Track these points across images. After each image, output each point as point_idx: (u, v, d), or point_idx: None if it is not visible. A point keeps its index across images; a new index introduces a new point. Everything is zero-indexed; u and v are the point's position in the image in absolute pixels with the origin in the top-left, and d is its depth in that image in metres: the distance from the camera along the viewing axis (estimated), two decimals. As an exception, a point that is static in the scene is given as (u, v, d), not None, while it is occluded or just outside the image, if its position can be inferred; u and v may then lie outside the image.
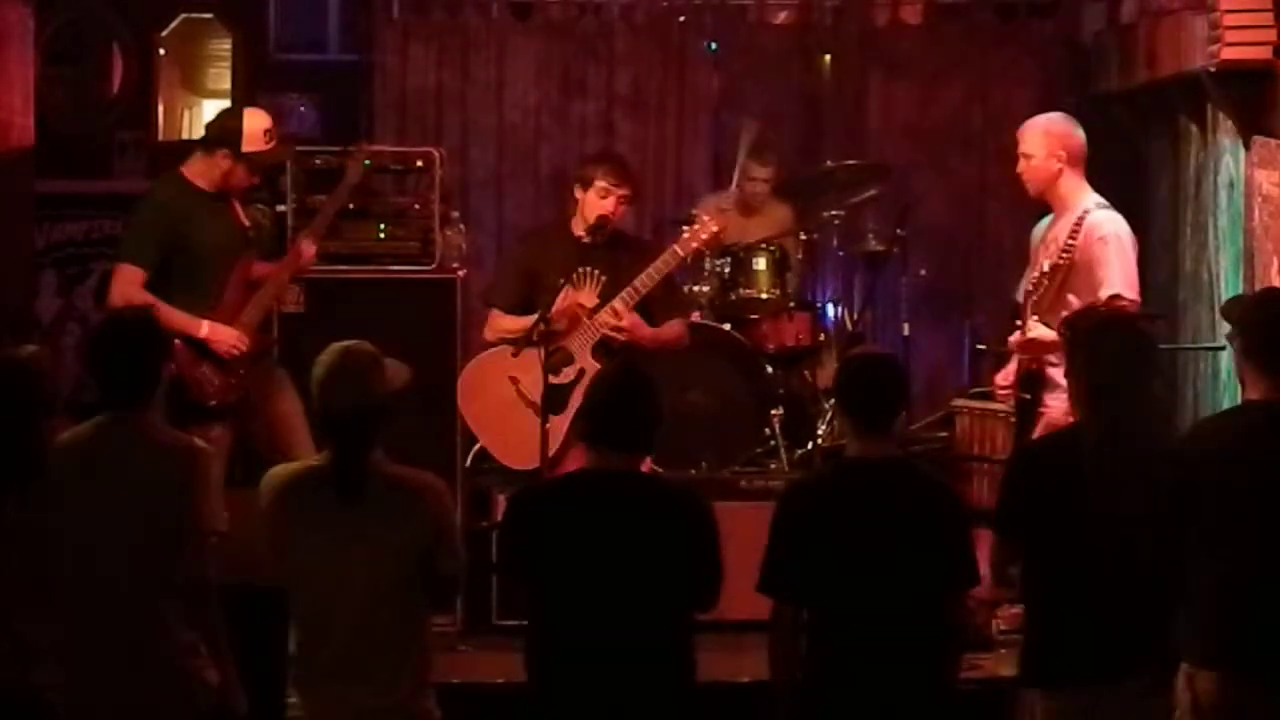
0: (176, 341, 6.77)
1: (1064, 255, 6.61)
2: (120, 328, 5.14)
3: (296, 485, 4.77)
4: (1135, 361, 4.90)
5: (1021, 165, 6.84)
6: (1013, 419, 6.80)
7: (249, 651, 4.97)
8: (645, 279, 7.07)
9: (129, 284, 6.82)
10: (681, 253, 7.14)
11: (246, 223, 7.16)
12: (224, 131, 6.99)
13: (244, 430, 6.96)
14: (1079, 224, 6.64)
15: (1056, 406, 6.63)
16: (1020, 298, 7.04)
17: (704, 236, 7.22)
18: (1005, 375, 6.86)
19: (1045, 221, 6.98)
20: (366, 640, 4.64)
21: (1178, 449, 5.03)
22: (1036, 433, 6.53)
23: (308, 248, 7.13)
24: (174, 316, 6.74)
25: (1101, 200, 6.79)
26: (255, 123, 7.00)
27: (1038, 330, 6.57)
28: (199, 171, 6.97)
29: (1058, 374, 6.64)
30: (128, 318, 5.37)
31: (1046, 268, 6.64)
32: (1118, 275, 6.58)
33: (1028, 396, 6.64)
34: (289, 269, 7.15)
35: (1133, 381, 4.86)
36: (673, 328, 7.27)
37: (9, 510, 4.82)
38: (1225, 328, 7.41)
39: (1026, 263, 6.98)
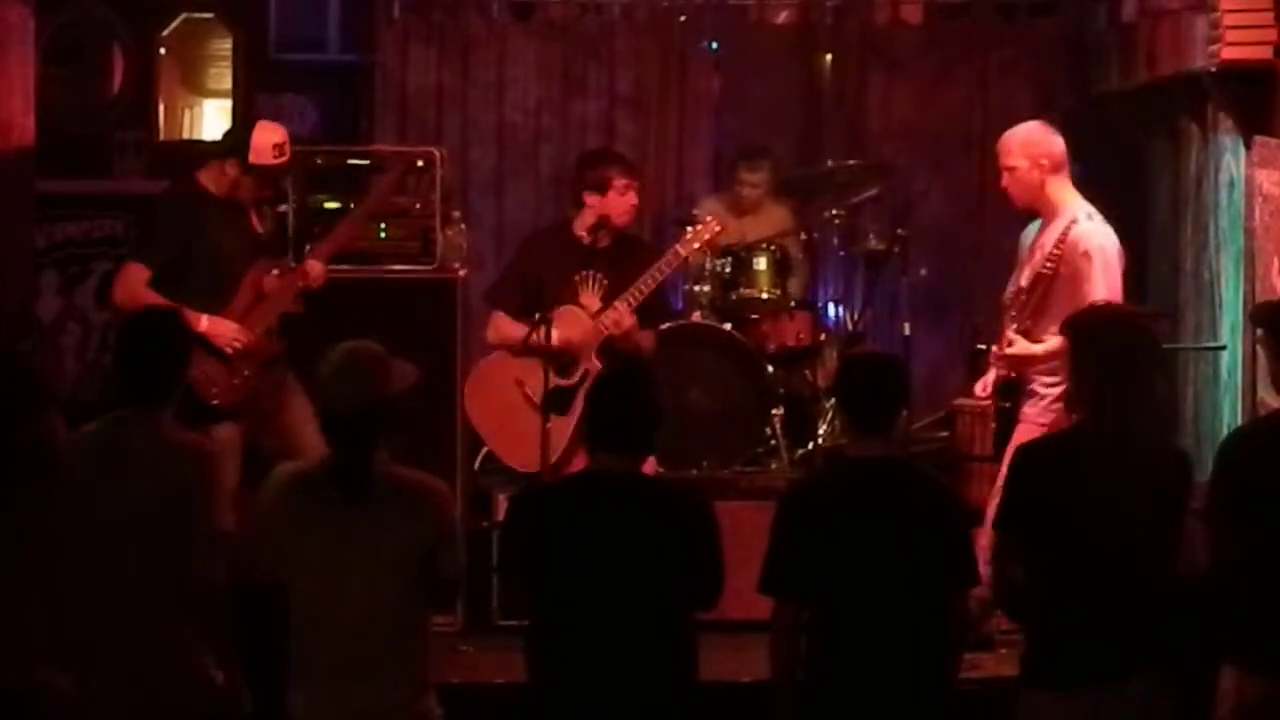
0: None
1: (1048, 265, 6.65)
2: (148, 326, 5.16)
3: (299, 484, 4.76)
4: (1137, 360, 4.90)
5: (1006, 179, 6.87)
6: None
7: (250, 651, 4.97)
8: (649, 280, 7.09)
9: (134, 281, 6.87)
10: (683, 253, 7.16)
11: (260, 230, 7.17)
12: (234, 141, 7.04)
13: (255, 437, 6.95)
14: (1065, 235, 6.66)
15: (1032, 415, 6.67)
16: (1007, 301, 7.07)
17: (706, 237, 7.25)
18: (984, 385, 6.86)
19: (1035, 226, 6.99)
20: (367, 640, 4.63)
21: (1219, 453, 5.03)
22: (1013, 442, 6.59)
23: (313, 266, 7.08)
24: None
25: (1089, 209, 6.79)
26: (265, 136, 7.01)
27: (1019, 347, 6.61)
28: (212, 177, 7.01)
29: (1037, 384, 6.69)
30: (156, 317, 5.38)
31: (1025, 281, 6.68)
32: (1102, 290, 6.57)
33: (1007, 405, 6.68)
34: (294, 286, 7.07)
35: (1135, 380, 4.86)
36: (648, 336, 7.28)
37: (14, 507, 4.82)
38: (1225, 327, 7.48)
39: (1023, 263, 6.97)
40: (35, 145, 7.52)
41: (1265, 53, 7.20)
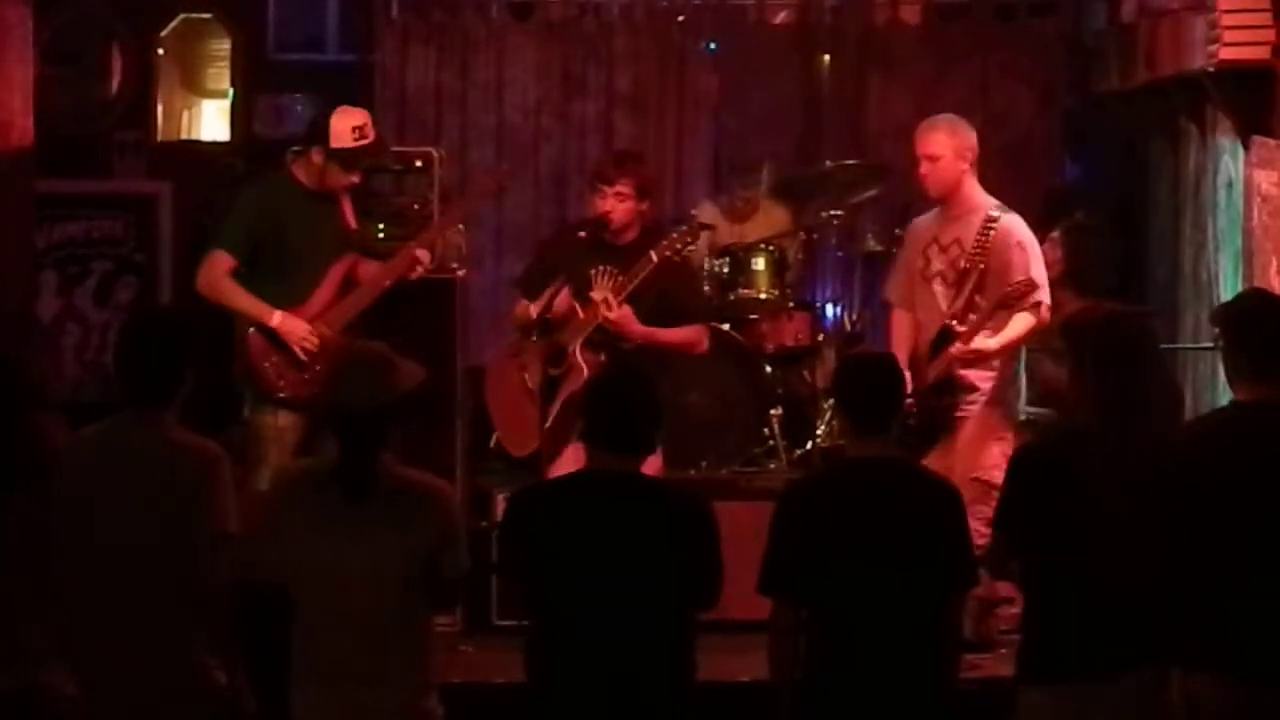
0: (251, 330, 6.82)
1: (976, 259, 6.72)
2: (149, 326, 5.15)
3: (303, 484, 4.77)
4: (1137, 360, 4.90)
5: (925, 168, 6.94)
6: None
7: (253, 651, 4.97)
8: (628, 278, 7.07)
9: (216, 270, 6.88)
10: (655, 257, 7.10)
11: (353, 224, 7.17)
12: (314, 130, 7.06)
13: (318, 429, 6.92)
14: (990, 227, 6.75)
15: (974, 406, 6.78)
16: (890, 297, 7.16)
17: (679, 245, 7.19)
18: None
19: (927, 219, 7.09)
20: (370, 640, 4.64)
21: (1170, 450, 5.03)
22: (967, 432, 6.73)
23: (422, 255, 7.12)
24: (248, 303, 6.82)
25: (999, 202, 6.93)
26: (344, 121, 7.02)
27: (981, 343, 6.70)
28: (303, 169, 7.03)
29: (975, 379, 6.75)
30: (154, 316, 5.37)
31: (950, 276, 6.77)
32: (1041, 281, 6.78)
33: (947, 401, 6.77)
34: (396, 273, 7.09)
35: (1133, 379, 4.86)
36: (681, 331, 7.24)
37: (13, 508, 4.82)
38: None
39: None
40: (35, 145, 7.51)
41: (1264, 53, 7.21)
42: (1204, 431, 5.16)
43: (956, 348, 6.77)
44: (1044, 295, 6.79)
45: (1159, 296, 8.50)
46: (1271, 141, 7.22)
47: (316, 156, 6.98)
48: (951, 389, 6.84)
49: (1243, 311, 5.09)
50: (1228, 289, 7.67)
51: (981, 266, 6.78)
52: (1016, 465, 5.02)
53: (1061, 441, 5.11)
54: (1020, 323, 6.78)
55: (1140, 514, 4.77)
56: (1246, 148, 7.43)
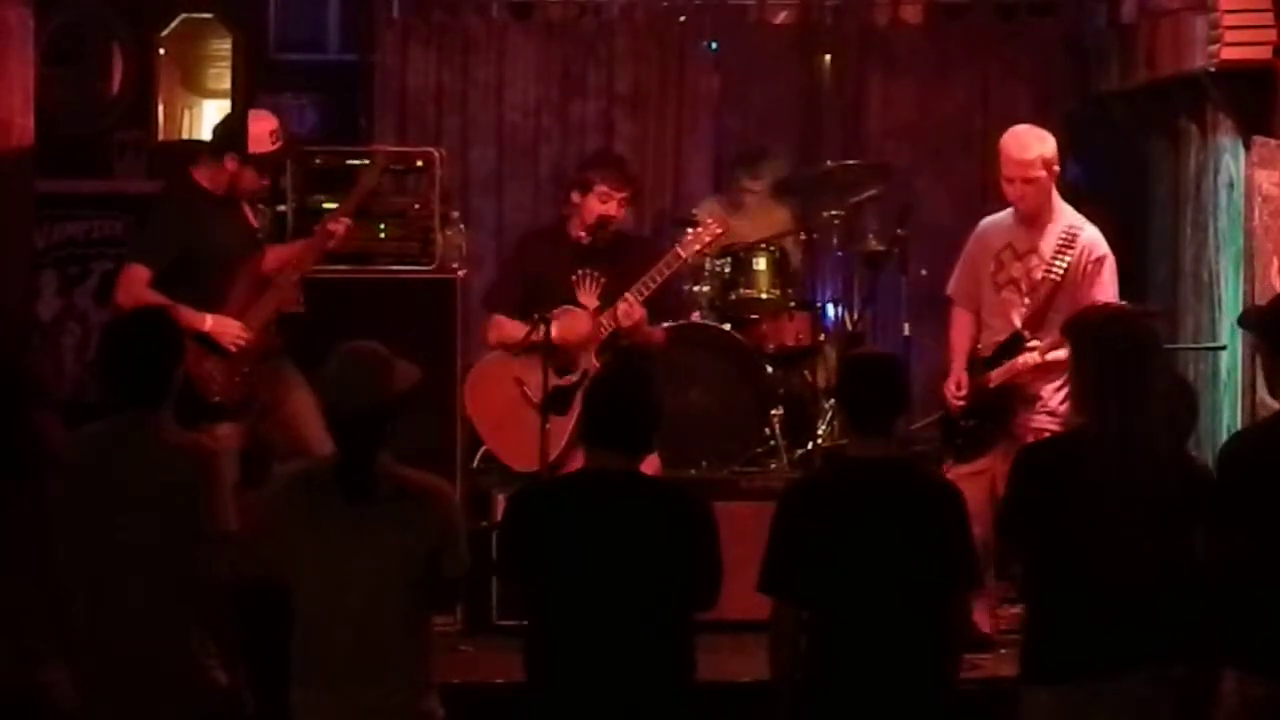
0: None
1: (1057, 271, 6.68)
2: (137, 328, 5.14)
3: (303, 484, 4.77)
4: (1139, 360, 4.89)
5: (1021, 189, 6.86)
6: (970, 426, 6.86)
7: (253, 651, 4.97)
8: (655, 275, 7.09)
9: (136, 283, 6.89)
10: (684, 254, 7.15)
11: (255, 224, 7.20)
12: (229, 135, 7.06)
13: (258, 431, 6.97)
14: (1071, 239, 6.71)
15: (1043, 423, 6.70)
16: (954, 295, 7.07)
17: (707, 239, 7.23)
18: (959, 384, 6.86)
19: (1001, 223, 7.00)
20: (369, 640, 4.64)
21: (1220, 456, 5.01)
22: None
23: (336, 225, 7.13)
24: (177, 312, 6.76)
25: (1076, 213, 6.92)
26: (260, 125, 7.06)
27: (1055, 354, 6.62)
28: (207, 176, 7.03)
29: (1043, 390, 6.72)
30: (145, 318, 5.36)
31: (1025, 285, 6.71)
32: (1113, 296, 6.74)
33: (1005, 407, 6.74)
34: (317, 248, 7.13)
35: (1137, 380, 4.86)
36: (658, 331, 7.30)
37: (13, 506, 4.82)
38: (1225, 327, 7.49)
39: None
40: (35, 145, 7.51)
41: (1265, 53, 7.20)
42: (1254, 438, 5.17)
43: (1029, 359, 6.70)
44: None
45: (1159, 297, 8.49)
46: (1272, 141, 7.21)
47: (231, 162, 6.99)
48: (1013, 397, 6.81)
49: (1275, 314, 5.07)
50: (1228, 289, 7.66)
51: (1056, 279, 6.74)
52: (1018, 467, 5.02)
53: (1063, 442, 5.11)
54: None
55: (1142, 514, 4.77)
56: (1247, 148, 7.43)
